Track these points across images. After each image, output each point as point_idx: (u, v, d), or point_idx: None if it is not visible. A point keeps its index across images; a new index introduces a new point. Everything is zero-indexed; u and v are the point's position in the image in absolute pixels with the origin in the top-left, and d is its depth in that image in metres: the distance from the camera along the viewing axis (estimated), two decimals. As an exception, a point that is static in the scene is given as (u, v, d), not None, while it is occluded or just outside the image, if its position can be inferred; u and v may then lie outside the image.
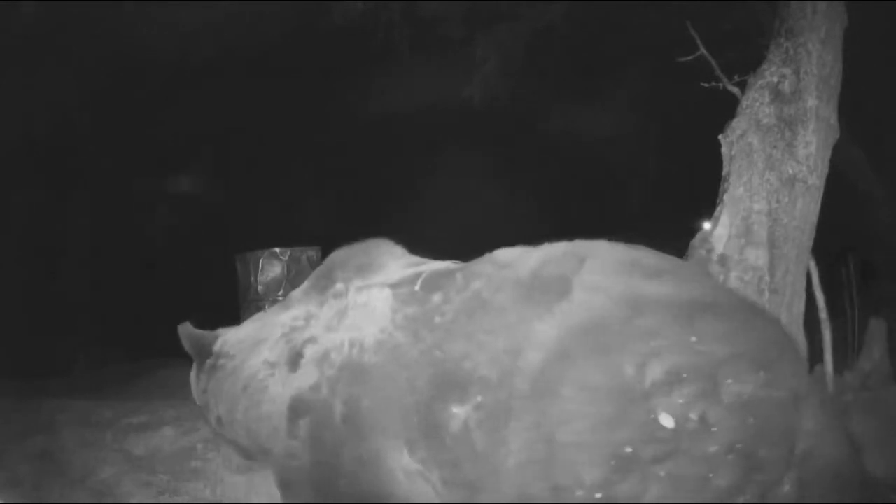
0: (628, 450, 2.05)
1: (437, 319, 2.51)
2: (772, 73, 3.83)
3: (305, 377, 2.67)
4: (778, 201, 3.69)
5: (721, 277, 3.65)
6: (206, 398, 3.01)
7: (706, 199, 4.01)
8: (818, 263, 4.10)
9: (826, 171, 3.80)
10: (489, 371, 2.32)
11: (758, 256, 3.64)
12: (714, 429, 2.06)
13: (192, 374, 3.13)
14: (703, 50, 4.27)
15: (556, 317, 2.32)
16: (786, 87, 3.77)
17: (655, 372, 2.11)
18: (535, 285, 2.46)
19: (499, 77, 8.19)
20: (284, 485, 2.78)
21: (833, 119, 3.81)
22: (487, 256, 2.72)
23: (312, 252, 6.09)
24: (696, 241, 3.80)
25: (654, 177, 12.86)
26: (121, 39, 9.50)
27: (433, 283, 2.65)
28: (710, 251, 3.71)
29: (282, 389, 2.73)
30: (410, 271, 2.78)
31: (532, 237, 2.65)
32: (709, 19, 5.19)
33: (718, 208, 3.78)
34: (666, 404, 2.08)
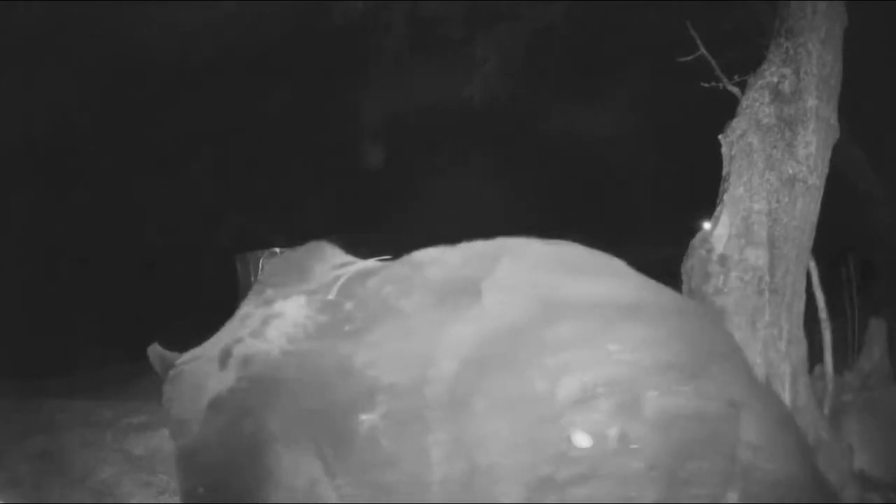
0: (544, 471, 1.94)
1: (347, 328, 2.50)
2: (772, 73, 3.83)
3: (228, 377, 2.71)
4: (778, 201, 3.69)
5: (721, 277, 3.65)
6: (168, 406, 3.05)
7: (706, 199, 4.01)
8: (818, 263, 4.10)
9: (826, 171, 3.80)
10: (397, 378, 2.27)
11: (758, 256, 3.64)
12: (635, 446, 1.93)
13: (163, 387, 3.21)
14: (703, 50, 4.27)
15: (469, 323, 2.24)
16: (786, 87, 3.77)
17: (569, 387, 1.99)
18: (447, 290, 2.40)
19: (499, 77, 8.20)
20: (183, 466, 2.81)
21: (833, 119, 3.81)
22: (406, 258, 2.70)
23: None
24: (696, 241, 3.80)
25: (654, 177, 12.85)
26: (121, 39, 9.49)
27: (347, 289, 2.64)
28: (710, 251, 3.71)
29: (212, 384, 2.77)
30: (332, 275, 2.77)
31: (530, 236, 2.63)
32: (709, 19, 5.19)
33: (718, 208, 3.78)
34: (582, 421, 1.96)
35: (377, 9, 7.88)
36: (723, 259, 3.68)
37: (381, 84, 10.80)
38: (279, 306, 2.78)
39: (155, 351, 3.16)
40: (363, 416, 2.29)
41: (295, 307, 2.71)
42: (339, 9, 7.95)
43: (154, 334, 3.16)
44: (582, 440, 1.95)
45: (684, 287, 3.78)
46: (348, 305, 2.58)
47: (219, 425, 2.67)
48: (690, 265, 3.76)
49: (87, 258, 11.03)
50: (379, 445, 2.25)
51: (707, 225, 3.82)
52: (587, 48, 9.19)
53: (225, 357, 2.78)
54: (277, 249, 6.09)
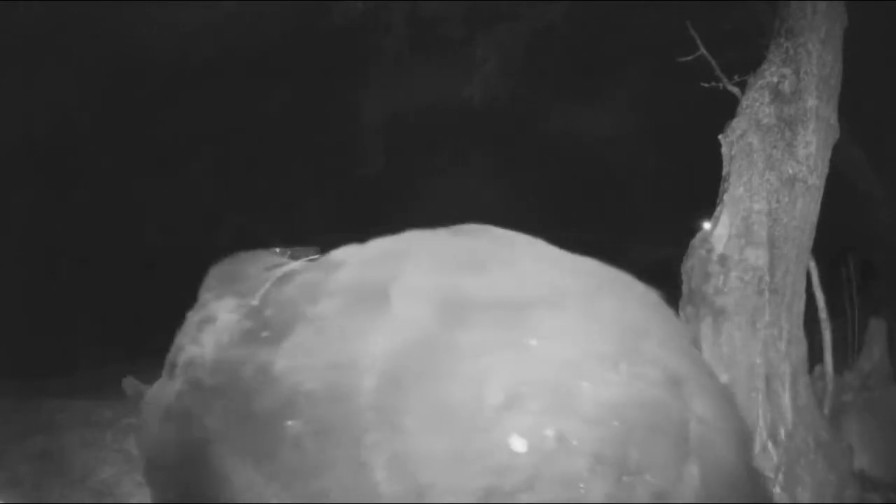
0: (488, 483, 1.87)
1: (265, 334, 2.49)
2: (772, 73, 3.83)
3: (175, 385, 2.74)
4: (778, 201, 3.69)
5: (721, 277, 3.65)
6: (137, 433, 3.16)
7: (706, 199, 4.01)
8: (818, 263, 4.10)
9: (826, 171, 3.81)
10: (314, 386, 2.24)
11: (758, 256, 3.64)
12: (575, 442, 1.86)
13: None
14: (703, 50, 4.27)
15: (380, 334, 2.19)
16: (786, 87, 3.77)
17: (495, 392, 1.92)
18: (355, 295, 2.36)
19: (499, 77, 8.20)
20: (152, 481, 2.85)
21: (833, 119, 3.81)
22: (323, 259, 2.69)
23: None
24: (696, 241, 3.80)
25: (654, 177, 12.86)
26: (121, 39, 9.49)
27: (268, 295, 2.64)
28: (710, 251, 3.71)
29: (164, 395, 2.81)
30: (262, 278, 2.77)
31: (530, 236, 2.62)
32: (709, 19, 5.19)
33: (718, 208, 3.78)
34: (515, 426, 1.88)
35: (377, 9, 7.89)
36: (723, 259, 3.68)
37: (381, 84, 10.81)
38: (212, 309, 2.81)
39: (130, 383, 3.24)
40: (289, 422, 2.26)
41: (226, 312, 2.73)
42: (339, 9, 7.96)
43: (154, 334, 3.16)
44: (519, 445, 1.88)
45: (684, 287, 3.79)
46: (268, 312, 2.57)
47: (171, 432, 2.70)
48: (690, 265, 3.77)
49: (87, 258, 11.03)
50: (305, 452, 2.22)
51: (707, 225, 3.82)
52: (587, 48, 9.20)
53: (171, 367, 2.82)
54: (277, 250, 6.08)
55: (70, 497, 4.29)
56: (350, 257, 2.58)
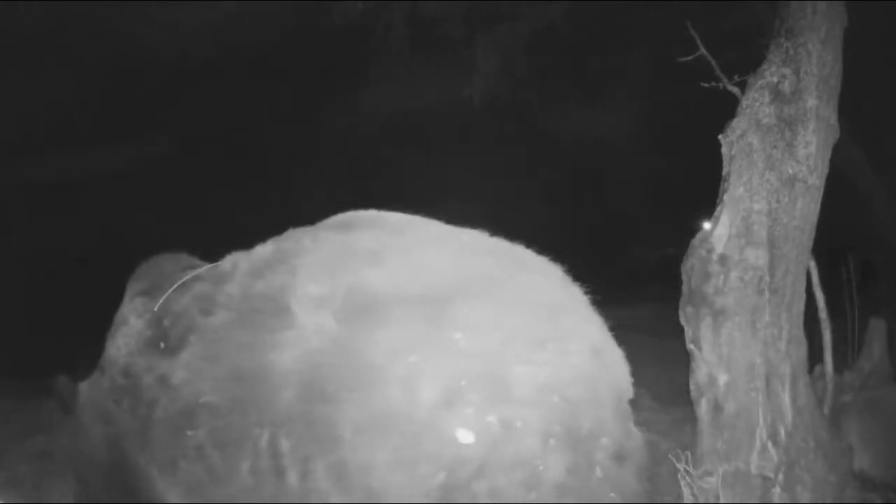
0: (443, 477, 1.87)
1: (163, 345, 2.53)
2: (772, 73, 3.83)
3: (100, 384, 2.78)
4: (778, 201, 3.69)
5: (721, 277, 3.65)
6: (66, 437, 3.18)
7: (706, 199, 4.01)
8: (818, 263, 4.10)
9: (826, 171, 3.80)
10: (215, 398, 2.25)
11: (758, 256, 3.64)
12: (519, 423, 1.87)
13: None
14: (703, 50, 4.27)
15: (288, 346, 2.15)
16: (786, 87, 3.77)
17: (430, 390, 1.91)
18: (249, 306, 2.34)
19: (499, 77, 8.19)
20: (81, 481, 2.92)
21: (833, 119, 3.81)
22: (212, 267, 2.68)
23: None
24: (696, 241, 3.80)
25: (654, 177, 12.86)
26: (121, 39, 9.49)
27: (167, 304, 2.64)
28: (710, 251, 3.71)
29: (92, 395, 2.84)
30: (168, 283, 2.77)
31: (531, 237, 2.63)
32: (709, 19, 5.19)
33: (718, 208, 3.78)
34: (458, 420, 1.89)
35: (377, 9, 7.88)
36: (723, 259, 3.68)
37: (381, 84, 10.81)
38: (127, 310, 2.85)
39: (61, 382, 3.19)
40: (189, 432, 2.29)
41: (135, 316, 2.76)
42: (339, 9, 7.94)
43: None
44: (465, 436, 1.89)
45: (684, 287, 3.79)
46: (166, 322, 2.59)
47: (98, 429, 2.73)
48: (690, 265, 3.77)
49: (88, 258, 11.03)
50: (209, 461, 2.24)
51: (707, 225, 3.82)
52: (587, 48, 9.19)
53: (100, 367, 2.86)
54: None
55: (70, 497, 4.29)
56: (236, 268, 2.54)
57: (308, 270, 2.31)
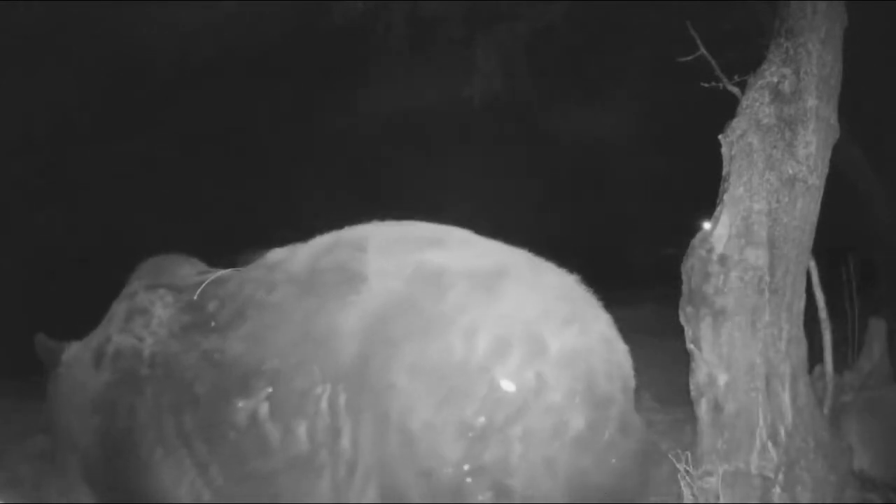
0: (481, 420, 2.13)
1: (213, 324, 2.62)
2: (772, 73, 3.83)
3: (103, 377, 2.83)
4: (778, 201, 3.69)
5: (721, 277, 3.65)
6: (49, 409, 3.14)
7: (706, 199, 4.01)
8: (818, 263, 4.10)
9: (826, 171, 3.80)
10: (276, 363, 2.40)
11: (758, 256, 3.64)
12: (551, 381, 2.17)
13: (47, 388, 3.24)
14: (703, 50, 4.27)
15: (358, 305, 2.37)
16: (786, 87, 3.77)
17: (485, 342, 2.19)
18: (316, 280, 2.52)
19: (499, 77, 8.19)
20: (89, 480, 2.93)
21: (833, 119, 3.81)
22: (259, 261, 2.82)
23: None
24: (696, 241, 3.80)
25: (654, 177, 12.86)
26: (121, 39, 9.49)
27: (207, 293, 2.76)
28: (710, 251, 3.72)
29: (90, 386, 2.88)
30: (196, 280, 2.89)
31: (531, 237, 2.65)
32: (709, 19, 5.19)
33: (718, 208, 3.78)
34: (503, 370, 2.17)
35: (377, 9, 7.88)
36: (723, 259, 3.68)
37: (381, 84, 10.81)
38: (143, 300, 2.90)
39: (41, 341, 3.19)
40: (241, 403, 2.40)
41: (161, 306, 2.84)
42: (339, 9, 7.95)
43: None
44: (508, 385, 2.17)
45: (684, 287, 3.79)
46: (210, 306, 2.70)
47: (97, 426, 2.77)
48: (690, 265, 3.77)
49: (88, 258, 11.04)
50: (261, 431, 2.36)
51: (707, 225, 3.82)
52: (587, 48, 9.20)
53: (98, 358, 2.89)
54: (277, 249, 6.08)
55: (70, 497, 4.28)
56: (296, 253, 2.72)
57: (377, 247, 2.54)
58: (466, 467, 2.11)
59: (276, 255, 2.81)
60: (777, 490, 3.46)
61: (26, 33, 8.84)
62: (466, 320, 2.23)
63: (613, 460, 2.21)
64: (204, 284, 2.79)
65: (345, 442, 2.25)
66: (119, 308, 3.01)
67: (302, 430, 2.30)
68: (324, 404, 2.29)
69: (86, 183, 11.38)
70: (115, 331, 2.90)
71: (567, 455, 2.15)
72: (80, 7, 8.58)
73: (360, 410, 2.23)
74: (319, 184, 13.16)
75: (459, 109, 9.05)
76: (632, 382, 2.39)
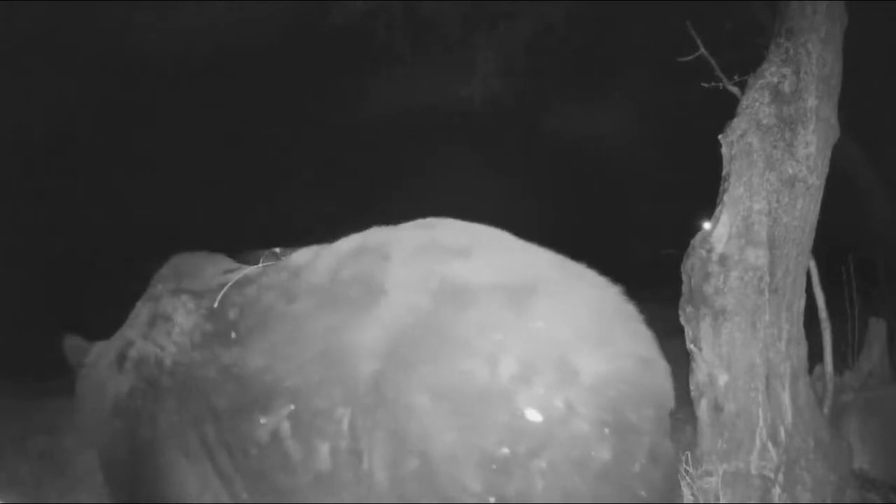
0: (504, 451, 2.02)
1: (233, 335, 2.54)
2: (772, 73, 3.83)
3: (126, 381, 2.78)
4: (778, 201, 3.68)
5: (721, 277, 3.65)
6: (76, 409, 3.14)
7: (706, 199, 4.01)
8: (818, 263, 4.10)
9: (826, 170, 3.80)
10: (297, 381, 2.31)
11: (758, 256, 3.64)
12: (582, 409, 2.04)
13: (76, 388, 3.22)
14: (703, 50, 4.27)
15: (378, 322, 2.26)
16: (786, 87, 3.77)
17: (510, 366, 2.07)
18: (337, 291, 2.42)
19: (499, 77, 8.19)
20: (108, 478, 2.89)
21: (833, 119, 3.81)
22: (284, 262, 2.74)
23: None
24: (696, 241, 3.80)
25: (654, 177, 12.86)
26: (121, 39, 9.49)
27: (228, 298, 2.67)
28: (710, 251, 3.71)
29: (111, 387, 2.85)
30: (218, 281, 2.80)
31: (531, 237, 2.63)
32: (709, 19, 5.18)
33: (718, 208, 3.78)
34: (529, 397, 2.04)
35: (377, 9, 7.87)
36: (723, 259, 3.68)
37: (380, 84, 10.81)
38: (167, 305, 2.82)
39: (71, 342, 3.17)
40: (262, 420, 2.33)
41: (183, 313, 2.76)
42: (339, 9, 7.94)
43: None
44: (534, 415, 2.03)
45: (684, 287, 3.79)
46: (231, 314, 2.62)
47: (120, 430, 2.74)
48: (690, 265, 3.77)
49: (88, 258, 11.04)
50: (283, 448, 2.29)
51: (707, 225, 3.82)
52: (587, 48, 9.19)
53: (121, 360, 2.85)
54: (277, 249, 6.08)
55: (70, 497, 4.29)
56: (319, 257, 2.62)
57: (401, 257, 2.42)
58: (492, 499, 2.02)
59: (300, 258, 2.71)
60: (777, 490, 3.46)
61: (26, 33, 8.84)
62: (491, 342, 2.12)
63: (642, 492, 2.08)
64: (225, 289, 2.71)
65: (366, 463, 2.17)
66: (143, 310, 2.95)
67: (324, 449, 2.23)
68: (345, 426, 2.21)
69: (85, 183, 11.38)
70: (137, 335, 2.84)
71: (590, 488, 2.02)
72: (80, 7, 8.58)
73: (375, 429, 2.16)
74: (319, 183, 13.16)
75: (459, 109, 9.05)
76: (669, 404, 2.26)
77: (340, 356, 2.27)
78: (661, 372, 2.25)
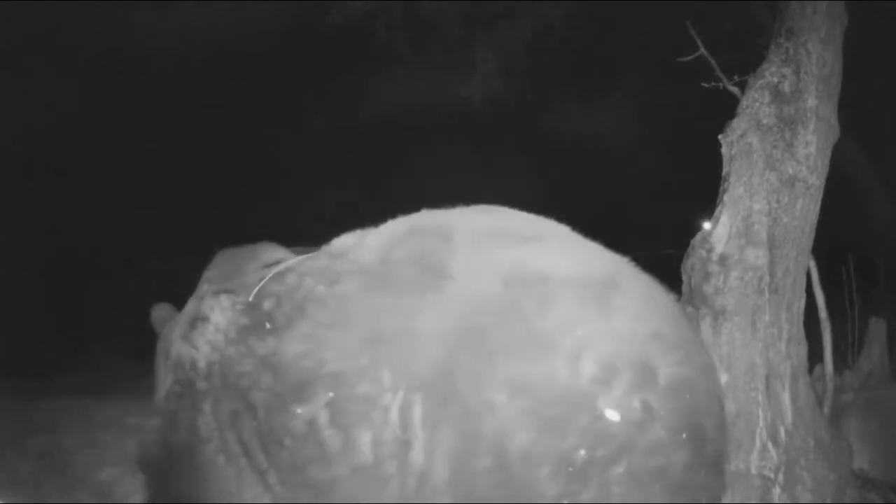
0: (582, 454, 1.92)
1: (268, 326, 2.42)
2: (772, 73, 3.83)
3: (167, 380, 2.71)
4: (778, 201, 3.69)
5: (721, 277, 3.65)
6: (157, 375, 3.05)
7: (706, 199, 4.01)
8: (818, 263, 4.10)
9: (826, 170, 3.81)
10: (339, 366, 2.18)
11: (758, 256, 3.64)
12: (661, 412, 1.96)
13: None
14: (703, 50, 4.27)
15: (441, 306, 2.13)
16: (786, 87, 3.77)
17: (591, 364, 1.97)
18: (389, 272, 2.28)
19: (499, 77, 8.19)
20: (143, 465, 2.82)
21: (833, 119, 3.81)
22: (324, 248, 2.59)
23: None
24: (696, 241, 3.80)
25: (654, 177, 12.86)
26: (121, 39, 9.50)
27: (265, 290, 2.54)
28: (710, 251, 3.72)
29: (162, 382, 2.77)
30: (258, 276, 2.67)
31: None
32: (709, 19, 5.19)
33: (718, 208, 3.78)
34: (607, 398, 1.95)
35: (377, 9, 7.88)
36: (723, 259, 3.68)
37: (380, 84, 10.81)
38: (207, 305, 2.72)
39: (159, 311, 3.04)
40: (299, 410, 2.21)
41: (219, 311, 2.66)
42: (339, 9, 7.94)
43: (155, 333, 3.13)
44: (613, 416, 1.94)
45: (684, 287, 3.79)
46: (266, 304, 2.48)
47: (159, 429, 2.68)
48: (690, 265, 3.77)
49: (88, 258, 11.04)
50: (320, 439, 2.17)
51: (707, 225, 3.82)
52: (587, 48, 9.20)
53: (165, 357, 2.78)
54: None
55: (70, 497, 4.29)
56: (363, 239, 2.48)
57: (466, 238, 2.27)
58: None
59: (343, 241, 2.54)
60: (777, 490, 3.46)
61: (26, 33, 8.84)
62: (574, 338, 2.01)
63: (703, 500, 2.03)
64: (263, 282, 2.57)
65: (416, 455, 2.04)
66: (188, 309, 2.84)
67: (365, 439, 2.10)
68: (394, 413, 2.07)
69: (84, 183, 11.38)
70: (178, 335, 2.74)
71: (667, 498, 1.94)
72: (80, 7, 8.59)
73: (441, 423, 2.02)
74: (319, 184, 13.16)
75: (459, 109, 9.05)
76: (725, 417, 2.20)
77: (393, 339, 2.13)
78: (719, 381, 2.22)
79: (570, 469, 1.92)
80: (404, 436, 2.06)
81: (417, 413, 2.05)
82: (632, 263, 2.34)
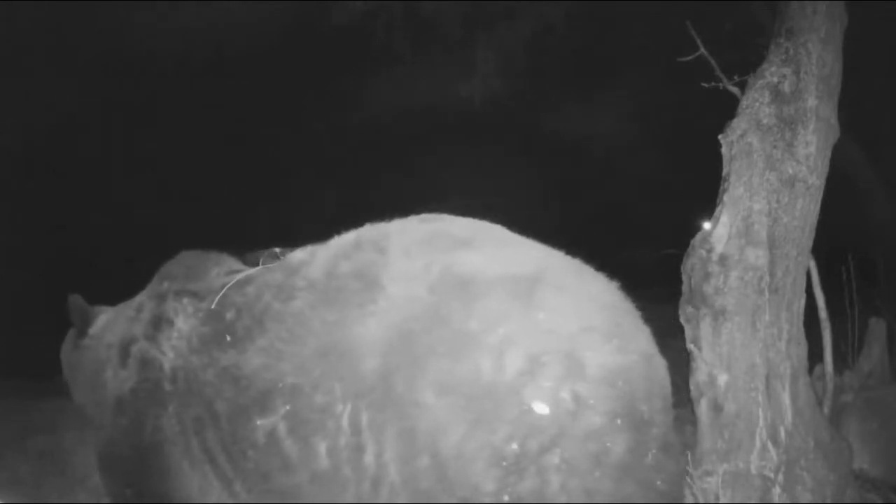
0: (514, 447, 1.98)
1: (229, 338, 2.52)
2: (772, 73, 3.83)
3: (129, 378, 2.77)
4: (778, 201, 3.68)
5: (721, 277, 3.65)
6: (71, 374, 3.22)
7: (706, 199, 4.01)
8: (818, 263, 4.10)
9: (826, 170, 3.80)
10: (295, 379, 2.29)
11: (758, 256, 3.64)
12: (591, 401, 2.01)
13: (65, 346, 3.27)
14: (703, 50, 4.27)
15: (377, 316, 2.23)
16: (786, 87, 3.77)
17: (516, 360, 2.03)
18: (332, 286, 2.39)
19: (499, 77, 8.19)
20: (103, 467, 2.89)
21: (833, 119, 3.81)
22: (281, 262, 2.71)
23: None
24: (696, 240, 3.80)
25: (654, 177, 12.86)
26: (121, 39, 9.50)
27: (226, 299, 2.65)
28: (710, 251, 3.71)
29: (112, 381, 2.84)
30: (220, 283, 2.77)
31: (532, 237, 2.62)
32: (709, 19, 5.19)
33: (718, 208, 3.78)
34: (536, 391, 2.00)
35: (377, 9, 7.88)
36: (723, 259, 3.68)
37: (380, 84, 10.81)
38: (171, 307, 2.80)
39: (76, 302, 3.16)
40: (259, 421, 2.32)
41: (183, 317, 2.74)
42: (339, 9, 7.94)
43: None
44: (542, 408, 2.00)
45: (684, 287, 3.79)
46: (228, 315, 2.59)
47: (124, 426, 2.74)
48: (690, 265, 3.77)
49: (89, 258, 11.03)
50: (280, 449, 2.27)
51: (707, 225, 3.82)
52: (587, 48, 9.20)
53: (124, 355, 2.83)
54: (277, 249, 6.08)
55: (70, 497, 4.29)
56: (314, 256, 2.60)
57: (399, 250, 2.36)
58: (506, 497, 1.96)
59: (298, 256, 2.68)
60: (777, 490, 3.46)
61: (26, 33, 8.84)
62: (497, 335, 2.07)
63: (658, 482, 2.07)
64: (224, 290, 2.68)
65: (368, 459, 2.14)
66: (147, 305, 2.91)
67: (322, 447, 2.21)
68: (345, 422, 2.18)
69: (84, 183, 11.38)
70: (141, 334, 2.81)
71: (610, 483, 1.98)
72: (80, 7, 8.59)
73: (384, 427, 2.12)
74: (319, 183, 13.16)
75: (459, 109, 9.05)
76: (671, 400, 2.25)
77: (340, 352, 2.25)
78: (662, 368, 2.26)
79: (505, 462, 1.97)
80: (356, 441, 2.16)
81: (364, 419, 2.15)
82: (567, 258, 2.42)
